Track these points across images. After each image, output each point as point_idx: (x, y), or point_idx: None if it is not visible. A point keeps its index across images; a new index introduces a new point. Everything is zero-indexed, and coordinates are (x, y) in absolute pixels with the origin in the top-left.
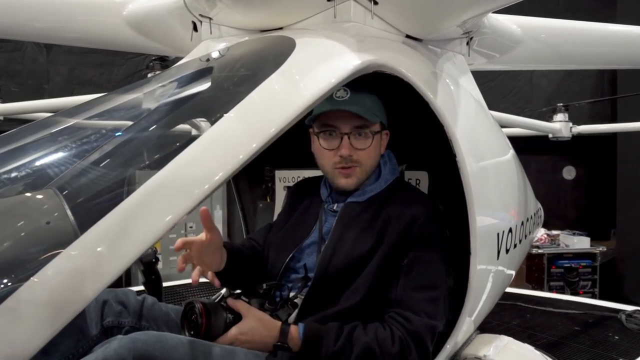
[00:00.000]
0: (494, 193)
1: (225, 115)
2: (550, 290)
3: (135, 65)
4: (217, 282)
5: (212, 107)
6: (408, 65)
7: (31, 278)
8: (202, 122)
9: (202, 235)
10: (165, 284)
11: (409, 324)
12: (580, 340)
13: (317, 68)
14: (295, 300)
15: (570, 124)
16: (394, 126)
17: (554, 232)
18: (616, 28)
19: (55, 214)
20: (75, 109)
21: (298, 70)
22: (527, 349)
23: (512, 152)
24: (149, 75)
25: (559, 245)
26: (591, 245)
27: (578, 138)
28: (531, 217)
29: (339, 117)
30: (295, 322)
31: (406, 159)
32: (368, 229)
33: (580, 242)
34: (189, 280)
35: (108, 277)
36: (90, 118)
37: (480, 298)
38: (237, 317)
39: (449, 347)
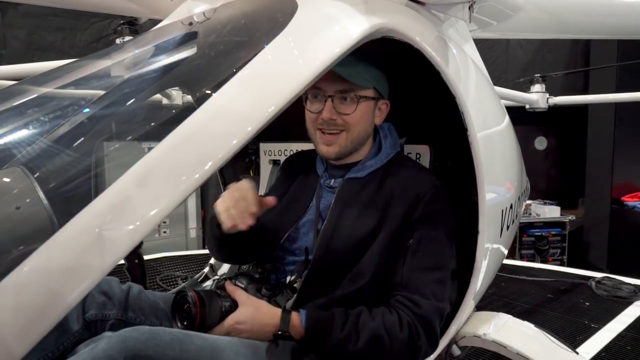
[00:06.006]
0: (500, 168)
1: (226, 84)
2: (522, 258)
3: (100, 30)
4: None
5: (207, 75)
6: (418, 31)
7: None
8: (173, 90)
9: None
10: None
11: (417, 308)
12: (554, 307)
13: (325, 31)
14: (295, 285)
15: (547, 95)
16: (391, 97)
17: (527, 201)
18: None
19: (26, 198)
20: (43, 77)
21: (305, 32)
22: (527, 327)
23: (508, 120)
24: (117, 41)
25: (530, 214)
26: (561, 215)
27: (550, 109)
28: (524, 192)
29: (325, 79)
30: (294, 308)
31: (405, 132)
32: (370, 207)
33: (551, 212)
34: (161, 255)
35: (98, 273)
36: (61, 87)
37: (485, 277)
38: (234, 305)
39: (453, 328)
